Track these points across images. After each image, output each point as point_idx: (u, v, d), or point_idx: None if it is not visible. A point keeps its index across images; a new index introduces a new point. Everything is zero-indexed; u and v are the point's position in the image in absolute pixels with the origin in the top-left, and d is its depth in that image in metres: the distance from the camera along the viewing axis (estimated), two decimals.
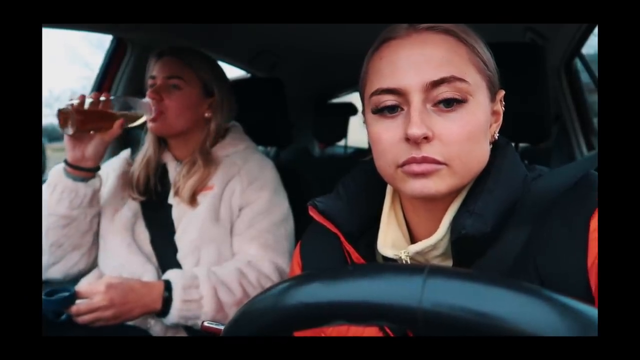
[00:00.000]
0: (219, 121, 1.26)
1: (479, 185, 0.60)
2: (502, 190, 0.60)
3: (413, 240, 0.67)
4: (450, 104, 0.57)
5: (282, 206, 1.24)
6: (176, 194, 1.20)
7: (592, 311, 0.31)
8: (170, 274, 1.10)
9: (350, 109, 3.10)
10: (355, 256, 0.66)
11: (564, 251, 0.57)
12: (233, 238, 1.19)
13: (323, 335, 0.70)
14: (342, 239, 0.66)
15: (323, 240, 0.72)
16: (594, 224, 0.57)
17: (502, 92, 0.65)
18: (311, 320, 0.37)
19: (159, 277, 1.16)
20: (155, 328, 1.14)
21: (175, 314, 1.06)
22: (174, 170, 1.25)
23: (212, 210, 1.18)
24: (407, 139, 0.57)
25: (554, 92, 1.91)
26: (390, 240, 0.66)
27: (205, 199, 1.19)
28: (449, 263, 0.63)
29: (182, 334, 1.15)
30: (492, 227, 0.58)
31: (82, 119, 1.05)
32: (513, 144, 1.18)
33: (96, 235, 1.22)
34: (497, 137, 0.65)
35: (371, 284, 0.35)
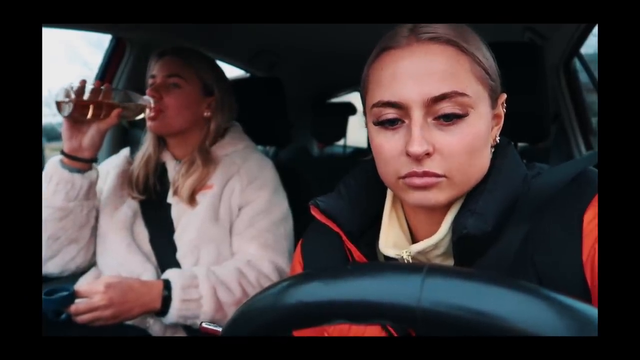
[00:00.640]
0: (219, 121, 1.26)
1: (479, 185, 0.61)
2: (503, 190, 0.60)
3: (414, 239, 0.68)
4: (450, 118, 0.57)
5: (282, 206, 1.24)
6: (175, 193, 1.20)
7: (592, 311, 0.31)
8: (170, 274, 1.10)
9: (350, 109, 3.10)
10: (357, 255, 0.66)
11: (560, 247, 0.57)
12: (232, 237, 1.19)
13: (326, 334, 0.70)
14: (344, 238, 0.66)
15: (324, 239, 0.72)
16: (588, 217, 0.57)
17: (504, 96, 0.65)
18: (310, 319, 0.37)
19: (158, 277, 1.16)
20: (155, 327, 1.14)
21: (174, 313, 1.06)
22: (173, 169, 1.25)
23: (212, 209, 1.18)
24: (409, 154, 0.57)
25: (553, 92, 1.91)
26: (392, 239, 0.66)
27: (204, 198, 1.19)
28: (450, 262, 0.63)
29: (181, 333, 1.15)
30: (493, 226, 0.58)
31: (80, 102, 1.05)
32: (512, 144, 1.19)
33: (94, 230, 1.22)
34: (498, 140, 0.65)
35: (370, 283, 0.35)
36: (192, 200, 1.18)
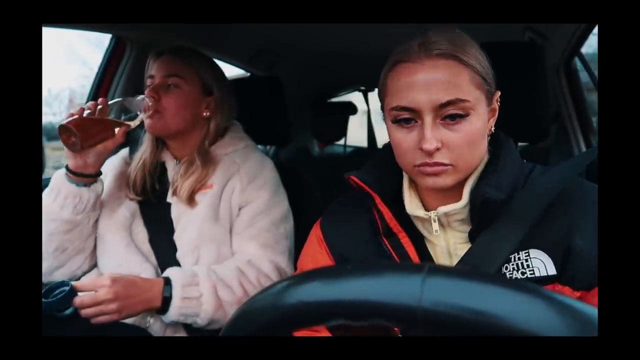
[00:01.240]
0: (218, 121, 1.26)
1: (491, 166, 0.76)
2: (510, 170, 0.76)
3: (426, 210, 0.81)
4: (454, 118, 0.70)
5: (282, 205, 1.24)
6: (174, 193, 1.20)
7: (592, 311, 0.31)
8: (170, 272, 1.10)
9: (350, 108, 3.09)
10: (389, 216, 0.80)
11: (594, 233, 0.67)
12: (232, 237, 1.19)
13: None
14: (378, 199, 0.80)
15: (346, 212, 0.88)
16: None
17: (498, 93, 0.77)
18: (311, 319, 0.37)
19: (158, 276, 1.16)
20: (154, 327, 1.14)
21: (174, 311, 1.06)
22: (172, 169, 1.24)
23: (212, 209, 1.17)
24: (422, 149, 0.70)
25: (553, 91, 1.91)
26: (415, 205, 0.80)
27: (204, 198, 1.18)
28: (466, 228, 0.77)
29: (181, 333, 1.15)
30: (506, 195, 0.73)
31: (84, 136, 1.04)
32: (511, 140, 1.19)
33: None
34: (493, 131, 0.79)
35: (371, 282, 0.35)
36: (191, 200, 1.18)
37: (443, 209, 0.75)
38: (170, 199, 1.21)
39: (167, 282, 1.07)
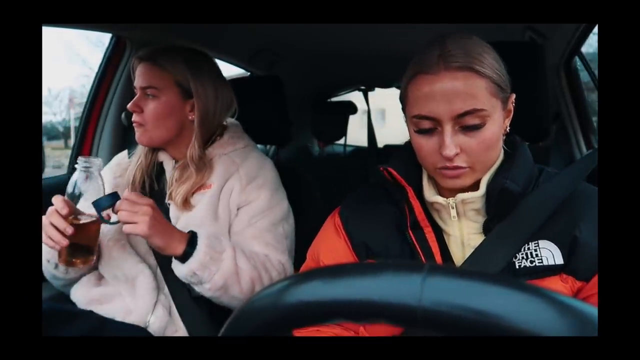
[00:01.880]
0: (208, 120, 1.22)
1: (507, 163, 0.81)
2: (525, 167, 0.81)
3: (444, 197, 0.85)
4: (473, 128, 0.75)
5: (282, 205, 1.24)
6: (169, 197, 1.20)
7: (592, 311, 0.31)
8: (194, 230, 1.10)
9: (350, 108, 3.09)
10: (419, 209, 0.84)
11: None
12: (231, 237, 1.19)
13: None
14: (411, 193, 0.84)
15: (368, 203, 0.92)
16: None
17: (513, 95, 0.81)
18: (311, 319, 0.37)
19: (155, 277, 1.16)
20: (154, 326, 1.14)
21: (198, 257, 1.04)
22: (170, 170, 1.24)
23: (211, 209, 1.17)
24: (442, 155, 0.75)
25: (553, 91, 1.91)
26: (433, 194, 0.84)
27: (203, 198, 1.18)
28: (480, 218, 0.82)
29: (181, 333, 1.15)
30: (522, 189, 0.78)
31: (64, 260, 1.04)
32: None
33: None
34: (509, 134, 0.84)
35: (371, 282, 0.35)
36: (185, 204, 1.17)
37: (462, 195, 0.80)
38: (168, 200, 1.21)
39: (192, 233, 1.08)
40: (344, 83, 3.19)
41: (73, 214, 1.01)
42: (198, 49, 1.30)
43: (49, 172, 1.88)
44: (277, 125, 1.67)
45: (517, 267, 0.77)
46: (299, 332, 0.84)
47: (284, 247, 1.20)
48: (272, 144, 2.33)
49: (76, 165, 1.03)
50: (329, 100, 3.30)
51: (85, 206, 1.02)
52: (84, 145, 1.77)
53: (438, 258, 0.82)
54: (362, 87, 3.15)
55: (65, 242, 0.99)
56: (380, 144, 2.93)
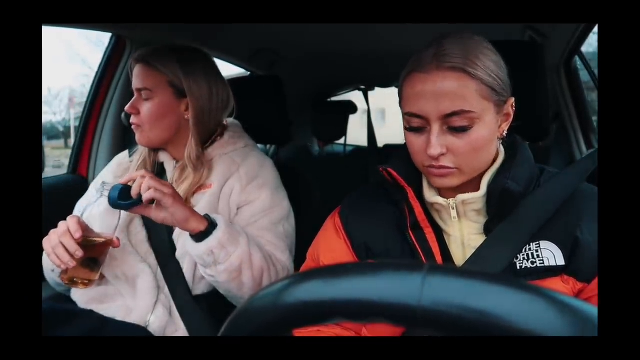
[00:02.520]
0: (204, 118, 1.22)
1: (508, 163, 0.81)
2: (527, 167, 0.81)
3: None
4: (460, 129, 0.75)
5: (282, 205, 1.24)
6: None
7: (592, 310, 0.31)
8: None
9: (350, 107, 3.09)
10: (419, 210, 0.84)
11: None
12: None
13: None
14: (411, 193, 0.84)
15: (368, 203, 0.92)
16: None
17: (512, 99, 0.80)
18: (311, 318, 0.37)
19: (155, 277, 1.16)
20: (154, 326, 1.14)
21: (218, 235, 1.04)
22: (171, 170, 1.24)
23: (211, 209, 1.17)
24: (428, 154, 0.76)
25: (553, 91, 1.91)
26: (433, 194, 0.84)
27: (203, 198, 1.18)
28: (481, 219, 0.82)
29: (182, 333, 1.15)
30: (523, 189, 0.78)
31: (74, 278, 1.03)
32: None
33: None
34: (510, 135, 0.83)
35: (371, 282, 0.35)
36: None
37: (462, 196, 0.80)
38: None
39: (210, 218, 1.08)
40: (344, 83, 3.19)
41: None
42: (193, 47, 1.29)
43: (49, 172, 1.88)
44: (277, 125, 1.67)
45: (518, 267, 0.77)
46: (299, 332, 0.84)
47: (285, 246, 1.20)
48: (272, 143, 2.33)
49: (101, 193, 1.02)
50: (329, 99, 3.30)
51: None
52: (84, 145, 1.77)
53: (438, 258, 0.81)
54: (362, 87, 3.14)
55: (73, 264, 0.99)
56: (380, 143, 2.93)
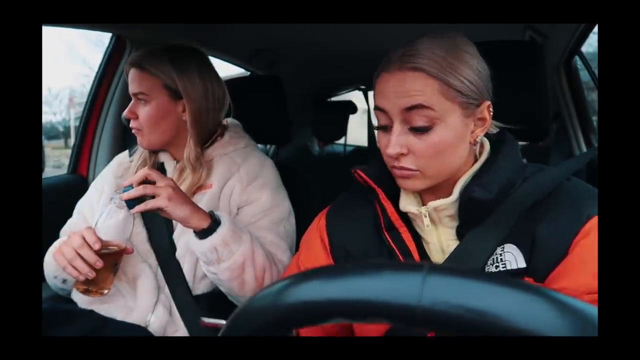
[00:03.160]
0: (202, 118, 1.21)
1: (487, 165, 0.79)
2: (505, 171, 0.78)
3: (424, 205, 0.84)
4: (420, 129, 0.74)
5: (283, 205, 1.24)
6: None
7: (592, 310, 0.31)
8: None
9: (350, 107, 3.09)
10: (391, 210, 0.83)
11: (561, 227, 0.73)
12: None
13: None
14: (382, 195, 0.83)
15: (351, 205, 0.91)
16: (593, 222, 0.72)
17: (487, 103, 0.78)
18: (310, 318, 0.37)
19: (156, 277, 1.16)
20: (154, 326, 1.14)
21: (222, 232, 1.04)
22: (172, 170, 1.24)
23: (211, 209, 1.17)
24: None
25: (553, 90, 1.91)
26: (409, 201, 0.83)
27: (203, 198, 1.18)
28: (455, 224, 0.80)
29: (181, 333, 1.15)
30: (494, 196, 0.75)
31: (88, 287, 1.03)
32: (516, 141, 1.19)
33: None
34: (500, 131, 0.83)
35: (370, 281, 0.35)
36: None
37: (433, 204, 0.79)
38: None
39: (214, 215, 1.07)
40: (344, 82, 3.19)
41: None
42: (186, 46, 1.28)
43: (49, 172, 1.88)
44: (277, 125, 1.67)
45: None
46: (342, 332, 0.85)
47: (286, 246, 1.20)
48: (272, 143, 2.33)
49: (113, 201, 1.02)
50: (329, 99, 3.30)
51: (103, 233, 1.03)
52: (84, 145, 1.77)
53: (416, 257, 0.80)
54: (362, 87, 3.14)
55: (92, 274, 0.99)
56: None
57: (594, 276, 0.58)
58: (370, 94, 3.14)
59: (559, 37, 1.68)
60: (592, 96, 2.01)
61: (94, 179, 1.47)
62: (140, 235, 1.20)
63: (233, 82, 1.39)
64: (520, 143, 1.30)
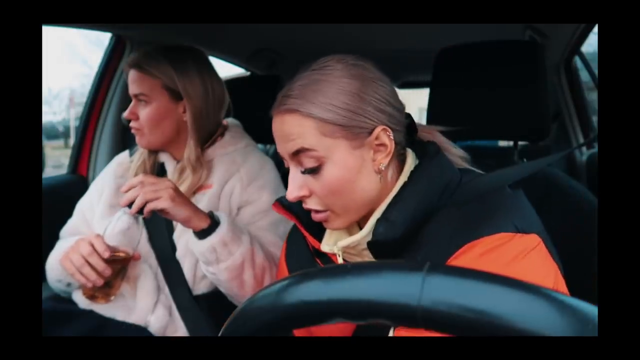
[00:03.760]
0: (202, 118, 1.21)
1: (398, 194, 0.72)
2: (416, 199, 0.70)
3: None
4: (311, 170, 0.71)
5: None
6: None
7: (592, 310, 0.31)
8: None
9: None
10: (312, 239, 0.80)
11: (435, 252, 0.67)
12: None
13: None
14: (302, 228, 0.81)
15: (299, 231, 0.86)
16: (468, 247, 0.64)
17: (380, 128, 0.71)
18: (310, 318, 0.37)
19: (156, 277, 1.16)
20: (154, 326, 1.14)
21: (221, 232, 1.04)
22: (172, 170, 1.24)
23: (211, 209, 1.17)
24: None
25: (554, 90, 1.92)
26: (335, 237, 0.79)
27: (203, 198, 1.18)
28: (372, 257, 0.74)
29: (181, 333, 1.15)
30: (402, 233, 0.68)
31: (95, 293, 1.04)
32: (512, 142, 1.19)
33: None
34: (426, 143, 0.76)
35: (370, 281, 0.35)
36: None
37: (342, 242, 0.75)
38: None
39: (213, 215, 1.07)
40: None
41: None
42: (185, 45, 1.28)
43: (49, 172, 1.88)
44: None
45: None
46: (299, 332, 0.84)
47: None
48: (272, 143, 2.33)
49: (123, 214, 1.02)
50: None
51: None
52: (84, 145, 1.77)
53: None
54: None
55: (101, 282, 1.00)
56: None
57: None
58: None
59: (559, 37, 1.68)
60: (592, 96, 2.01)
61: (94, 179, 1.47)
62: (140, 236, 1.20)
63: (233, 82, 1.38)
64: (521, 143, 1.31)
